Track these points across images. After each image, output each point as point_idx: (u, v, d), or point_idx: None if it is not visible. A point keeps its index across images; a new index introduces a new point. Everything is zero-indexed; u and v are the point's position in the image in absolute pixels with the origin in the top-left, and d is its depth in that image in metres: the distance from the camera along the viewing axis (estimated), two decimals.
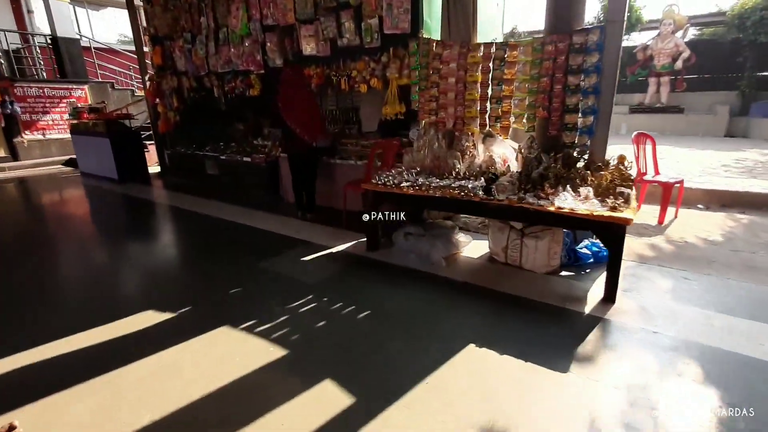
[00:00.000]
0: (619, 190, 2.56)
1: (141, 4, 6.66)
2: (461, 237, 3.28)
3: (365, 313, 2.39)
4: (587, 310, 2.35)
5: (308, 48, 4.48)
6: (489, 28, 4.47)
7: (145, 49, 6.70)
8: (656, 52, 9.81)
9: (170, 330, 2.28)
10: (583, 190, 2.54)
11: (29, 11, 10.09)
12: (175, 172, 6.74)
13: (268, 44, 4.86)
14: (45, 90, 8.17)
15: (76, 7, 11.01)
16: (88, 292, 2.88)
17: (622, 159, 2.89)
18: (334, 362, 1.95)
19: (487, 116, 3.46)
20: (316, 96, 4.08)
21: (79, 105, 7.15)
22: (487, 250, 3.22)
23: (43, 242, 3.96)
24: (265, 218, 4.38)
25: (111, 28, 12.43)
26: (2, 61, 7.32)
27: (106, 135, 6.07)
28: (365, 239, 3.43)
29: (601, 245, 2.88)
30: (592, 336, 2.09)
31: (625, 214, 2.26)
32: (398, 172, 3.43)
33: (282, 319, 2.34)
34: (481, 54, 3.34)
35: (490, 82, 3.36)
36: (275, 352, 2.02)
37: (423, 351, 2.02)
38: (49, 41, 8.56)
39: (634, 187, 2.66)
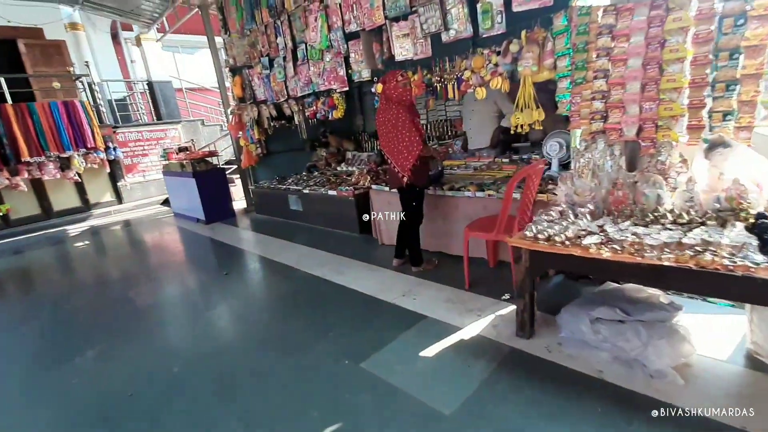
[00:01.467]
0: None
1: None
2: (683, 318, 1.97)
3: None
4: None
5: (402, 51, 3.53)
6: None
7: (226, 82, 6.41)
8: None
9: None
10: None
11: (132, 61, 10.88)
12: (260, 208, 6.29)
13: (353, 55, 4.03)
14: (143, 133, 8.49)
15: (174, 53, 11.72)
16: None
17: None
18: None
19: (706, 112, 2.12)
20: (418, 116, 3.05)
21: (167, 146, 7.18)
22: (738, 338, 1.87)
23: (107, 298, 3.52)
24: (358, 271, 3.46)
25: (202, 68, 13.09)
26: (104, 110, 7.61)
27: (192, 174, 5.79)
28: (506, 310, 2.30)
29: None
30: None
31: None
32: (559, 212, 2.25)
33: None
34: (697, 12, 2.04)
35: (713, 56, 2.04)
36: None
37: None
38: (145, 86, 8.95)
39: None
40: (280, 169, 6.60)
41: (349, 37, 4.01)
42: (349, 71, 4.14)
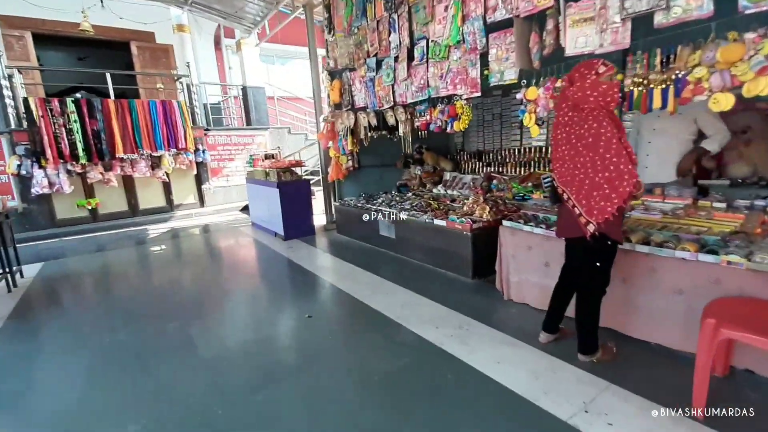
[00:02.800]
0: None
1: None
2: None
3: None
4: None
5: (578, 42, 2.53)
6: None
7: (323, 86, 5.87)
8: None
9: None
10: None
11: (229, 68, 11.10)
12: (343, 228, 5.55)
13: (493, 51, 3.10)
14: (232, 137, 8.35)
15: (268, 64, 11.86)
16: None
17: None
18: None
19: None
20: (623, 130, 1.99)
21: (254, 152, 6.83)
22: None
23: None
24: (490, 343, 2.44)
25: (292, 77, 13.14)
26: (198, 112, 7.50)
27: (276, 184, 5.23)
28: None
29: None
30: None
31: None
32: None
33: None
34: None
35: None
36: None
37: None
38: (240, 91, 8.88)
39: None
40: (368, 185, 5.86)
41: (490, 28, 3.10)
42: (486, 72, 3.21)
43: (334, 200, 5.82)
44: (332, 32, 5.20)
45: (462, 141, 6.06)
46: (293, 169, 5.56)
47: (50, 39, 8.63)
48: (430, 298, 3.16)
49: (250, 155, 6.25)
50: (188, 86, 7.44)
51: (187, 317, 3.14)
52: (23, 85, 6.33)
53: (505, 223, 3.07)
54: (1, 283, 3.77)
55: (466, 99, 3.52)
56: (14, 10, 7.88)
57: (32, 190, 6.07)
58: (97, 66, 7.69)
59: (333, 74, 5.33)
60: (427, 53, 3.73)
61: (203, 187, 8.05)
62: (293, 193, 5.38)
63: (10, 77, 5.72)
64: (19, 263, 4.25)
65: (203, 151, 7.77)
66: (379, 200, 5.18)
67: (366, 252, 4.68)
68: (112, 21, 8.72)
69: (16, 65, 6.04)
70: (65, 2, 7.59)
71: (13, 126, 5.87)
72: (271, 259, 4.79)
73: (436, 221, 3.82)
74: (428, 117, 4.01)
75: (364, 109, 4.83)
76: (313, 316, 3.05)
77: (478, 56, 3.25)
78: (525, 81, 2.97)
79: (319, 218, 6.10)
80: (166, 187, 7.61)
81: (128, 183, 7.17)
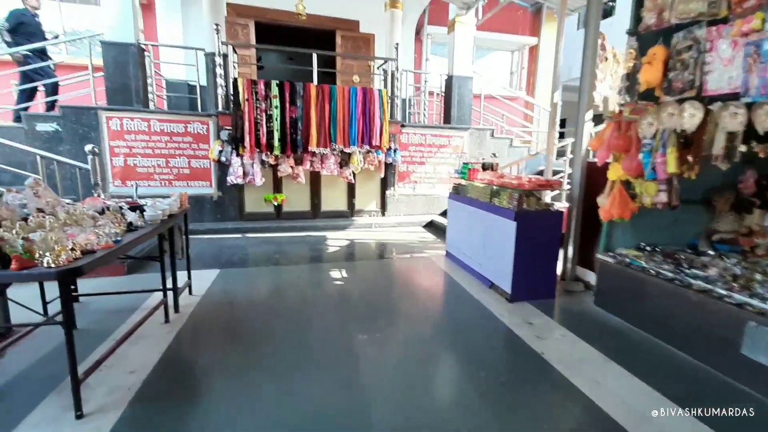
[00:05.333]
0: None
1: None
2: None
3: None
4: None
5: None
6: None
7: (599, 66, 3.69)
8: None
9: None
10: None
11: (426, 59, 9.85)
12: (614, 300, 3.30)
13: None
14: (427, 137, 6.90)
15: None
16: None
17: None
18: None
19: None
20: None
21: (467, 158, 5.09)
22: None
23: None
24: None
25: (494, 72, 11.21)
26: (398, 104, 6.21)
27: (512, 214, 3.34)
28: None
29: None
30: None
31: None
32: None
33: None
34: None
35: None
36: None
37: None
38: (443, 81, 7.37)
39: None
40: (652, 232, 3.46)
41: None
42: None
43: (597, 250, 3.59)
44: None
45: None
46: (536, 193, 3.57)
47: (268, 29, 8.76)
48: None
49: (465, 163, 4.54)
50: (392, 73, 6.23)
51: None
52: (236, 64, 6.03)
53: None
54: (160, 308, 2.86)
55: None
56: None
57: (228, 179, 5.67)
58: (303, 62, 7.21)
59: (647, 39, 3.08)
60: None
61: (387, 192, 6.82)
62: (537, 230, 3.39)
63: (224, 56, 5.31)
64: (189, 276, 3.42)
65: (394, 151, 6.51)
66: (709, 270, 2.76)
67: (673, 362, 2.38)
68: (321, 8, 8.33)
69: (232, 43, 5.68)
70: None
71: (219, 108, 5.50)
72: (497, 341, 2.89)
73: None
74: None
75: (733, 97, 2.46)
76: None
77: None
78: None
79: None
80: (350, 189, 6.62)
81: (314, 180, 6.38)
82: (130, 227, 2.38)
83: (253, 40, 8.23)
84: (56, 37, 5.91)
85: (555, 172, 5.44)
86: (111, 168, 5.40)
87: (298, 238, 5.78)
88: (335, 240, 5.74)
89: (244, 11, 8.27)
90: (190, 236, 5.74)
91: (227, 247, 5.15)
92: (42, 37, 5.80)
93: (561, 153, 6.46)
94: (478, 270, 4.06)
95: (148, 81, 6.20)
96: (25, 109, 5.67)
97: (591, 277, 3.86)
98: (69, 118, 5.22)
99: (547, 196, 3.94)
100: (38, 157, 3.65)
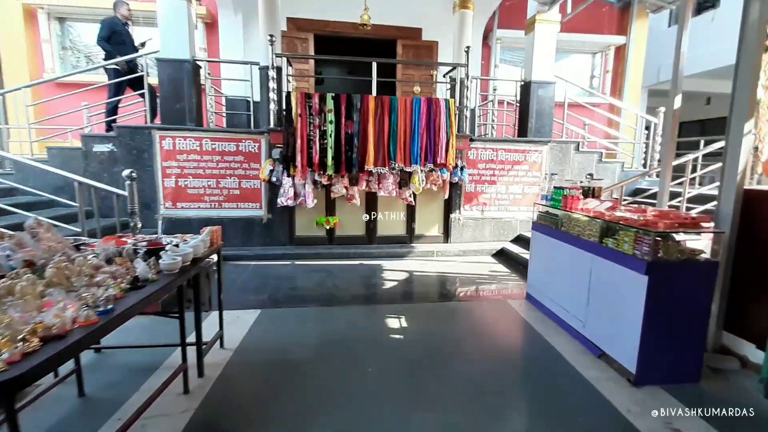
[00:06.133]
0: None
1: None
2: None
3: None
4: None
5: None
6: None
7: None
8: None
9: None
10: None
11: (495, 66, 8.95)
12: None
13: None
14: (498, 152, 6.01)
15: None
16: None
17: None
18: None
19: None
20: None
21: (557, 180, 4.12)
22: None
23: None
24: None
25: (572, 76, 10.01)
26: (467, 115, 5.42)
27: (643, 265, 2.40)
28: None
29: None
30: None
31: None
32: None
33: None
34: None
35: None
36: None
37: None
38: (518, 88, 6.43)
39: None
40: None
41: None
42: None
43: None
44: None
45: None
46: (673, 235, 2.58)
47: (328, 42, 8.44)
48: None
49: (558, 187, 3.62)
50: (462, 81, 5.46)
51: None
52: (291, 78, 5.63)
53: None
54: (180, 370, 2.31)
55: None
56: (303, 12, 7.83)
57: (278, 201, 5.23)
58: (363, 73, 6.61)
59: None
60: None
61: (451, 216, 6.01)
62: (680, 290, 2.42)
63: (278, 69, 4.90)
64: (221, 324, 2.87)
65: (461, 169, 5.70)
66: None
67: None
68: (382, 17, 7.83)
69: (285, 55, 5.27)
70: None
71: (272, 125, 5.09)
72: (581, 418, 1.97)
73: None
74: None
75: None
76: None
77: None
78: None
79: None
80: (410, 212, 5.91)
81: (370, 202, 5.76)
82: (136, 283, 1.84)
83: (311, 53, 7.92)
84: (143, 45, 5.82)
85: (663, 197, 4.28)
86: (162, 189, 5.18)
87: (351, 267, 5.16)
88: (392, 271, 5.03)
89: (305, 25, 8.00)
90: (238, 262, 5.41)
91: (274, 278, 4.65)
92: (133, 47, 5.78)
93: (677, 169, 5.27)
94: (579, 329, 3.11)
95: (208, 99, 6.02)
96: (114, 120, 5.66)
97: (749, 351, 2.76)
98: (124, 139, 5.10)
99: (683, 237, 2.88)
100: (75, 183, 3.39)
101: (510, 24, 8.66)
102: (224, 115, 7.40)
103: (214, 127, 5.58)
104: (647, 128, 7.22)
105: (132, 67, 5.68)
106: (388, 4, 7.57)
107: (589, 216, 3.08)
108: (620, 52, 9.50)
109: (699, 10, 9.59)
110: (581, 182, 3.67)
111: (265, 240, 5.55)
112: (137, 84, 5.73)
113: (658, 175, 4.06)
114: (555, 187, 3.69)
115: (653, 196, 5.01)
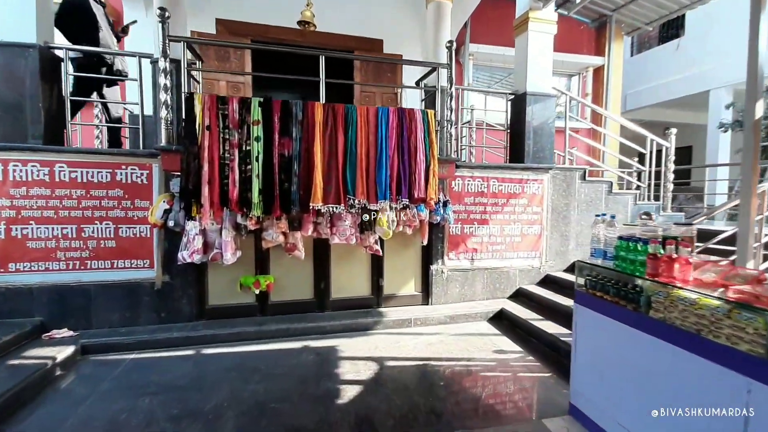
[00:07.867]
0: None
1: None
2: None
3: None
4: None
5: None
6: None
7: None
8: None
9: None
10: None
11: (468, 84, 7.80)
12: None
13: None
14: (490, 182, 4.60)
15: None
16: None
17: None
18: None
19: None
20: None
21: (618, 226, 2.66)
22: None
23: None
24: None
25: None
26: (451, 133, 4.00)
27: None
28: None
29: None
30: None
31: None
32: None
33: None
34: None
35: None
36: None
37: None
38: (507, 102, 5.13)
39: None
40: None
41: None
42: None
43: None
44: None
45: None
46: None
47: (266, 55, 6.92)
48: None
49: (623, 238, 2.14)
50: (443, 89, 4.05)
51: None
52: (197, 74, 3.97)
53: None
54: None
55: None
56: (237, 13, 6.34)
57: (179, 255, 3.44)
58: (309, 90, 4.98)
59: None
60: None
61: (432, 268, 4.45)
62: None
63: (175, 62, 3.25)
64: None
65: (444, 205, 4.22)
66: None
67: None
68: (334, 25, 6.52)
69: (187, 39, 3.57)
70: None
71: (163, 142, 3.36)
72: None
73: None
74: None
75: None
76: None
77: None
78: None
79: None
80: (376, 265, 4.29)
81: (320, 252, 4.09)
82: None
83: (248, 64, 6.34)
84: None
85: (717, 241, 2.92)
86: None
87: (291, 355, 3.39)
88: (353, 360, 3.31)
89: (239, 29, 6.46)
90: (106, 356, 3.32)
91: (152, 391, 2.77)
92: None
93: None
94: None
95: (66, 104, 4.21)
96: None
97: None
98: None
99: None
100: None
101: (485, 38, 7.62)
102: (127, 137, 5.51)
103: (75, 147, 3.75)
104: (640, 155, 6.14)
105: None
106: (343, 10, 6.28)
107: (728, 300, 1.59)
108: (599, 74, 8.74)
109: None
110: (663, 229, 2.22)
111: (159, 316, 3.66)
112: None
113: (672, 209, 2.74)
114: (620, 238, 2.22)
115: (705, 237, 3.70)
